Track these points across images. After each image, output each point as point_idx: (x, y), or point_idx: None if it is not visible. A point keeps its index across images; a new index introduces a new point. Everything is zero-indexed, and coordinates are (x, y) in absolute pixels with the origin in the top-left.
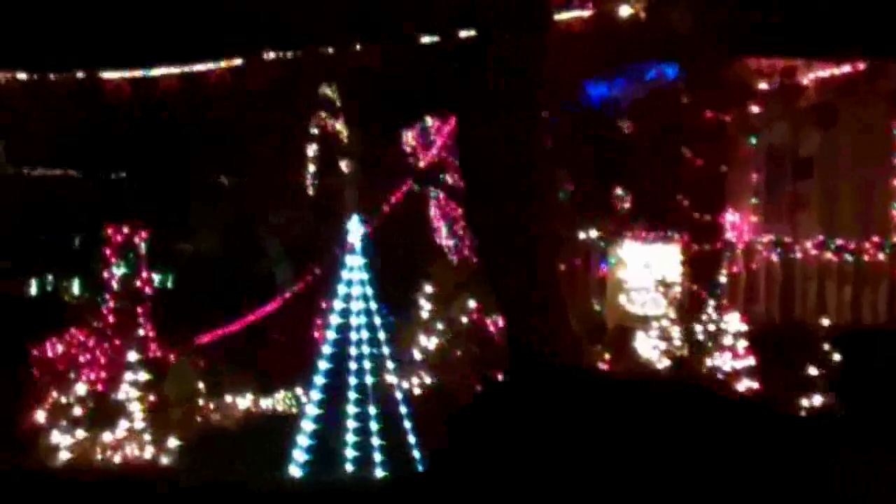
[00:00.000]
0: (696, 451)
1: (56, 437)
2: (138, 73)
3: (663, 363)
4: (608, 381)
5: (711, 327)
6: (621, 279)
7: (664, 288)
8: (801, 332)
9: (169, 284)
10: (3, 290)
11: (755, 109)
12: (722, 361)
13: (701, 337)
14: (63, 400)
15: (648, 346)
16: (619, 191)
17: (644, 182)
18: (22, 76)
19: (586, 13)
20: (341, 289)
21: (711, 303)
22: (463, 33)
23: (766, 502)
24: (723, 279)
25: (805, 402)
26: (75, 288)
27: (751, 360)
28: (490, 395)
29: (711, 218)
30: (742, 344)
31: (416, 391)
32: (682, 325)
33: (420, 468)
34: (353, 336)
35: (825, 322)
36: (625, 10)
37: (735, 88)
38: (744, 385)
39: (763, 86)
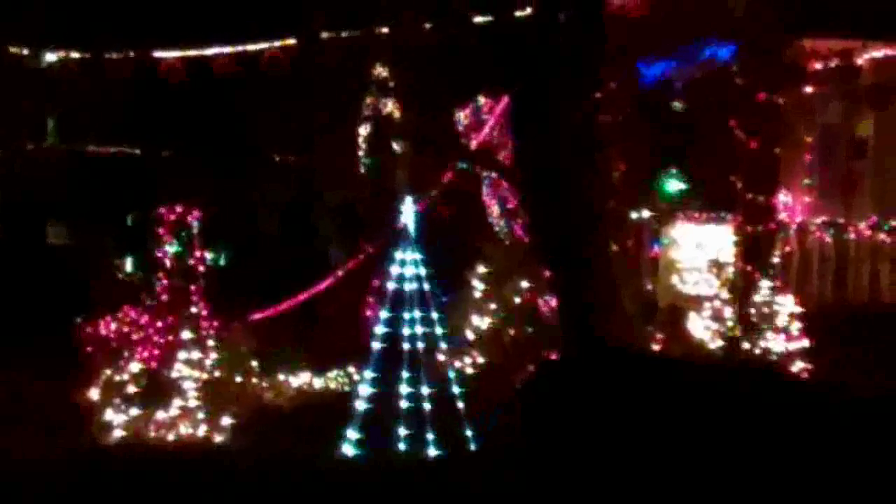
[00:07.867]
0: (757, 433)
1: (109, 414)
2: (192, 53)
3: (716, 344)
4: (661, 362)
5: (764, 308)
6: (673, 259)
7: (717, 268)
8: (855, 312)
9: (222, 263)
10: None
11: (809, 90)
12: (775, 343)
13: (754, 318)
14: (116, 378)
15: (700, 327)
16: (672, 171)
17: (697, 163)
18: (75, 55)
19: None
20: (394, 268)
21: (765, 283)
22: (518, 13)
23: (840, 483)
24: (776, 260)
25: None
26: (128, 266)
27: (804, 342)
28: (544, 376)
29: (765, 199)
30: (796, 325)
31: (469, 370)
32: (734, 306)
33: (472, 447)
34: (406, 315)
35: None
36: None
37: (790, 69)
38: (797, 366)
39: (818, 66)
